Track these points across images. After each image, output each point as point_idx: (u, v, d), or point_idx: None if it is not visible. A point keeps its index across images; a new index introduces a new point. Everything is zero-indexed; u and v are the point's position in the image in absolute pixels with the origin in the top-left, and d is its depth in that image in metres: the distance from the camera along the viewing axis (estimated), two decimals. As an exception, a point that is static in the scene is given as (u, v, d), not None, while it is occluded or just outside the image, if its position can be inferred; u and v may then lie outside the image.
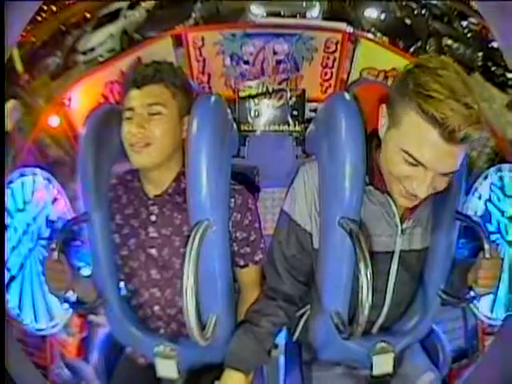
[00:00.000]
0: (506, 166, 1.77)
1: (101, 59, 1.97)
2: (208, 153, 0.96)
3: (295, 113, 2.26)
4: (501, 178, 1.76)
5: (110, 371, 1.22)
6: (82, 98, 1.93)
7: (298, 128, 2.27)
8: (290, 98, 2.25)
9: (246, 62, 2.12)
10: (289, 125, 2.27)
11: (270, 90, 2.23)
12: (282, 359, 1.31)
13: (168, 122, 1.04)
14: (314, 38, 2.05)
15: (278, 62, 2.12)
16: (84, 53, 1.95)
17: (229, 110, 1.10)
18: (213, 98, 1.02)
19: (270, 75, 2.14)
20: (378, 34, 2.07)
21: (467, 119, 0.78)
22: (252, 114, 2.25)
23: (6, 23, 0.92)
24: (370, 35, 2.12)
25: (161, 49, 2.04)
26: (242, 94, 2.23)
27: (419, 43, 2.06)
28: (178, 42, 2.07)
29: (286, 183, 1.11)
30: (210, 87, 2.11)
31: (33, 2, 1.02)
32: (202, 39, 2.05)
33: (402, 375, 1.13)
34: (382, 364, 1.07)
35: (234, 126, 1.14)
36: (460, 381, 1.42)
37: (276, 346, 1.19)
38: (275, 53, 2.11)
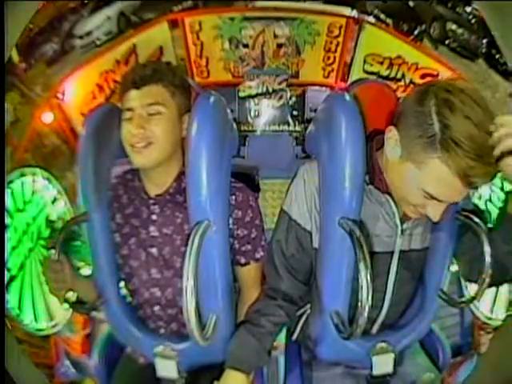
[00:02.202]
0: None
1: (98, 42, 1.96)
2: (208, 153, 0.96)
3: (295, 113, 2.26)
4: (501, 178, 1.76)
5: (110, 371, 1.22)
6: (76, 88, 1.92)
7: (298, 128, 2.27)
8: (290, 98, 2.25)
9: (246, 46, 2.10)
10: (289, 125, 2.27)
11: (270, 90, 2.23)
12: (282, 359, 1.31)
13: (168, 122, 1.04)
14: (317, 22, 2.03)
15: (279, 46, 2.10)
16: (81, 37, 1.94)
17: (229, 110, 1.10)
18: (212, 98, 1.02)
19: (270, 58, 2.11)
20: (382, 16, 2.06)
21: (490, 174, 0.82)
22: (252, 113, 2.25)
23: (6, 23, 0.92)
24: (373, 19, 2.09)
25: (157, 34, 2.02)
26: (241, 94, 2.23)
27: (423, 26, 2.05)
28: (175, 26, 2.05)
29: (286, 175, 1.11)
30: (208, 71, 2.09)
31: (33, 2, 1.02)
32: (200, 23, 2.03)
33: (402, 375, 1.13)
34: (382, 364, 1.07)
35: (234, 125, 1.14)
36: (454, 378, 1.42)
37: (276, 346, 1.19)
38: (276, 36, 2.09)
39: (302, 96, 2.24)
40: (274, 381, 1.36)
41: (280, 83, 2.23)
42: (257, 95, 2.23)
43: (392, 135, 0.90)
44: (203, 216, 0.97)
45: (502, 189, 1.78)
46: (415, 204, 0.91)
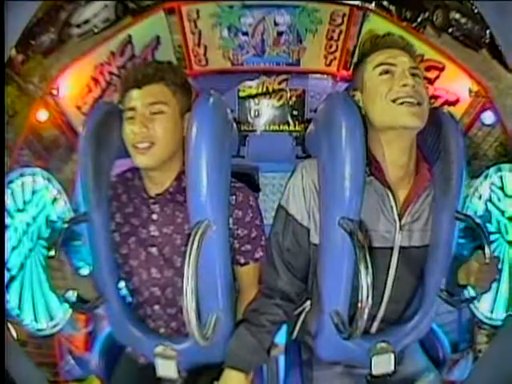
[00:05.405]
0: (505, 166, 1.77)
1: (96, 30, 1.96)
2: (208, 153, 0.96)
3: (295, 113, 2.26)
4: (501, 178, 1.76)
5: (110, 371, 1.22)
6: (71, 82, 1.91)
7: (298, 128, 2.27)
8: (290, 98, 2.25)
9: (245, 34, 2.05)
10: (289, 125, 2.27)
11: (270, 89, 2.23)
12: (281, 359, 1.31)
13: (170, 121, 1.04)
14: (319, 10, 1.98)
15: (280, 34, 2.05)
16: (78, 26, 1.93)
17: (229, 110, 1.10)
18: (212, 99, 1.02)
19: (270, 46, 2.08)
20: (385, 3, 2.04)
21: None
22: (252, 113, 2.25)
23: (6, 23, 0.92)
24: (375, 6, 2.07)
25: (153, 24, 1.99)
26: (241, 94, 2.22)
27: (426, 14, 2.04)
28: (172, 15, 2.02)
29: (286, 169, 1.11)
30: (206, 59, 2.06)
31: (33, 2, 1.02)
32: (197, 11, 1.99)
33: (402, 375, 1.13)
34: (382, 364, 1.07)
35: (234, 125, 1.14)
36: (450, 375, 1.42)
37: (276, 346, 1.19)
38: (276, 24, 2.05)
39: (302, 96, 2.24)
40: (273, 380, 1.36)
41: (280, 83, 2.23)
42: (257, 95, 2.23)
43: (358, 95, 1.03)
44: (203, 216, 0.97)
45: (501, 188, 1.77)
46: (396, 98, 0.96)
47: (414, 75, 0.98)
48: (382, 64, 1.00)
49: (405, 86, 0.96)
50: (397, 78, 0.98)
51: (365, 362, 1.07)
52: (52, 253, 0.97)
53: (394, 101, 0.96)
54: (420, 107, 0.96)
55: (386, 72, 0.99)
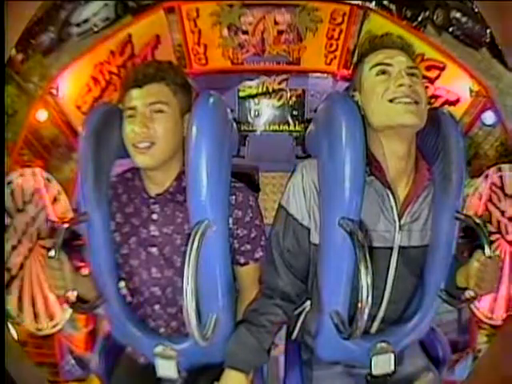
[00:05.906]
0: (505, 166, 1.78)
1: (95, 29, 1.95)
2: (208, 153, 0.96)
3: (295, 113, 2.26)
4: (501, 178, 1.77)
5: (110, 371, 1.22)
6: (71, 82, 1.91)
7: (298, 128, 2.27)
8: (290, 98, 2.25)
9: (245, 33, 2.05)
10: (289, 125, 2.27)
11: (270, 89, 2.23)
12: (281, 358, 1.31)
13: (170, 121, 1.04)
14: (319, 9, 1.99)
15: (280, 33, 2.06)
16: (78, 25, 1.93)
17: (229, 110, 1.10)
18: (212, 99, 1.02)
19: (270, 45, 2.09)
20: (385, 2, 2.04)
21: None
22: (252, 113, 2.25)
23: (6, 23, 0.92)
24: (375, 5, 2.07)
25: (153, 23, 1.99)
26: (241, 94, 2.23)
27: (427, 13, 2.04)
28: (171, 13, 2.02)
29: (286, 168, 1.11)
30: (206, 58, 2.07)
31: (33, 2, 1.03)
32: (197, 10, 1.99)
33: (402, 375, 1.13)
34: (382, 364, 1.06)
35: (234, 125, 1.14)
36: (449, 375, 1.42)
37: (276, 346, 1.19)
38: (276, 23, 2.04)
39: (302, 96, 2.24)
40: (273, 380, 1.36)
41: (280, 83, 2.23)
42: (257, 95, 2.24)
43: (357, 95, 1.04)
44: (203, 216, 0.97)
45: (501, 188, 1.78)
46: (393, 98, 0.97)
47: (411, 75, 0.98)
48: (378, 64, 1.00)
49: (401, 85, 0.96)
50: (393, 78, 0.98)
51: (365, 362, 1.07)
52: (52, 253, 0.97)
53: (390, 101, 0.96)
54: (417, 106, 0.96)
55: (383, 72, 0.99)
